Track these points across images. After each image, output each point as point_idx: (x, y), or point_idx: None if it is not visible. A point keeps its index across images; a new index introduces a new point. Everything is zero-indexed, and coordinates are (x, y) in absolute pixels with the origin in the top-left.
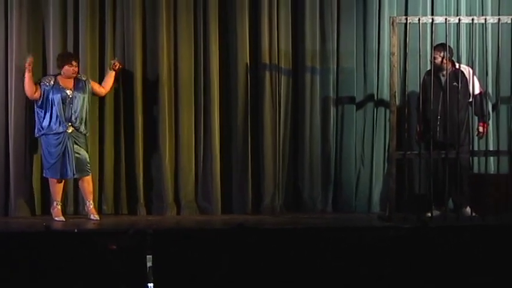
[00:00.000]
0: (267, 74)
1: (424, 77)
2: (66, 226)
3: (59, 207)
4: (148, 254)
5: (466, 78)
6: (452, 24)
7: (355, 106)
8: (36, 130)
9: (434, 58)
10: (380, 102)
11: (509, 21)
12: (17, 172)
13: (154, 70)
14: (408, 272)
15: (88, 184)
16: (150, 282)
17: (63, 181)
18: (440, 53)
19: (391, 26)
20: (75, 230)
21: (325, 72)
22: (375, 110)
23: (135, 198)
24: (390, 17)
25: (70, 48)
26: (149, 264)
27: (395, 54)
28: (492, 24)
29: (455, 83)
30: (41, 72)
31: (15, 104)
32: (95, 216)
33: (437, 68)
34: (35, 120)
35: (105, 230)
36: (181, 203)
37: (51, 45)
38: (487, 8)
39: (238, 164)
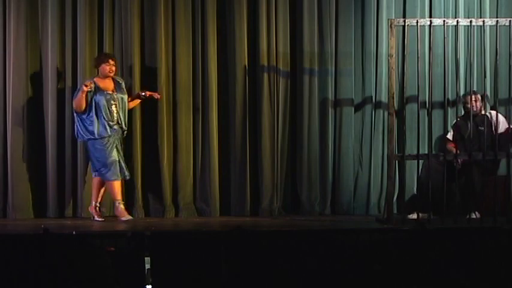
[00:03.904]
0: (265, 75)
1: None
2: (65, 228)
3: (122, 205)
4: (147, 256)
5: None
6: (450, 27)
7: (353, 108)
8: (80, 134)
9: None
10: (378, 104)
11: (507, 24)
12: (16, 174)
13: (153, 71)
14: (406, 274)
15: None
16: (148, 284)
17: (121, 180)
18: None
19: (389, 28)
20: (74, 232)
21: (323, 74)
22: (373, 112)
23: (133, 200)
24: (388, 19)
25: (68, 49)
26: (147, 266)
27: (394, 56)
28: (490, 26)
29: (481, 128)
30: (37, 74)
31: (13, 106)
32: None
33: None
34: (75, 124)
35: (104, 232)
36: (180, 205)
37: (49, 46)
38: (485, 10)
39: (236, 166)
